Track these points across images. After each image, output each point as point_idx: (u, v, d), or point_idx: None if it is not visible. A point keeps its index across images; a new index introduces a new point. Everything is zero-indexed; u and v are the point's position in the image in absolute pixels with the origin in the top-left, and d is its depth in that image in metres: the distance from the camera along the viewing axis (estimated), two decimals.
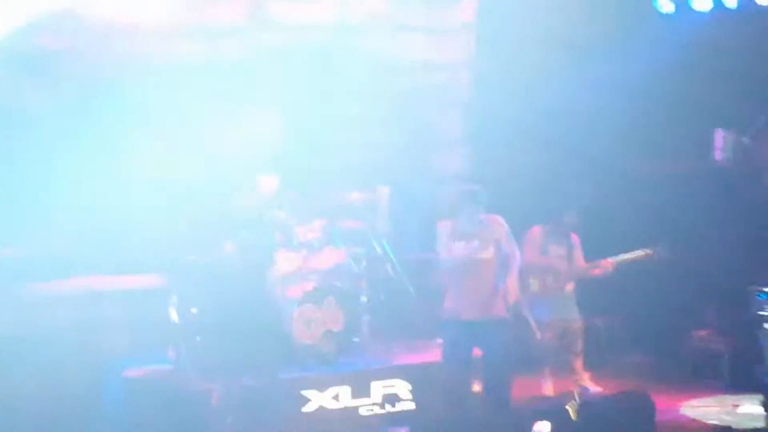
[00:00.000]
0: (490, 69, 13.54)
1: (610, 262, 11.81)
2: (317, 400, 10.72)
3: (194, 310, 10.92)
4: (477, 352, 10.34)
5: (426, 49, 13.58)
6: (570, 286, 11.82)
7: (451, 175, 13.76)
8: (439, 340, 11.06)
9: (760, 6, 12.74)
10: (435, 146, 13.79)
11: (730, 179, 12.93)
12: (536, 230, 11.79)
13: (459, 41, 13.71)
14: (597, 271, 11.83)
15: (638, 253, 11.78)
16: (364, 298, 11.47)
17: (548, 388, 11.78)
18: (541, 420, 8.74)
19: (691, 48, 12.86)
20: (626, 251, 11.81)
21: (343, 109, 13.16)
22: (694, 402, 11.66)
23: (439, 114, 13.74)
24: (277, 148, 12.64)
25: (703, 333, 12.71)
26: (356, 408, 10.89)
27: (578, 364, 11.90)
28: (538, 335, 10.91)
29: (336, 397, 10.80)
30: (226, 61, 12.49)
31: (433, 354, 11.37)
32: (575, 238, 11.86)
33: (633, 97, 13.12)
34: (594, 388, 11.86)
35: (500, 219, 10.29)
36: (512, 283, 10.12)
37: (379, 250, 11.78)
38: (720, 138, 12.86)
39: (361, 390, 10.91)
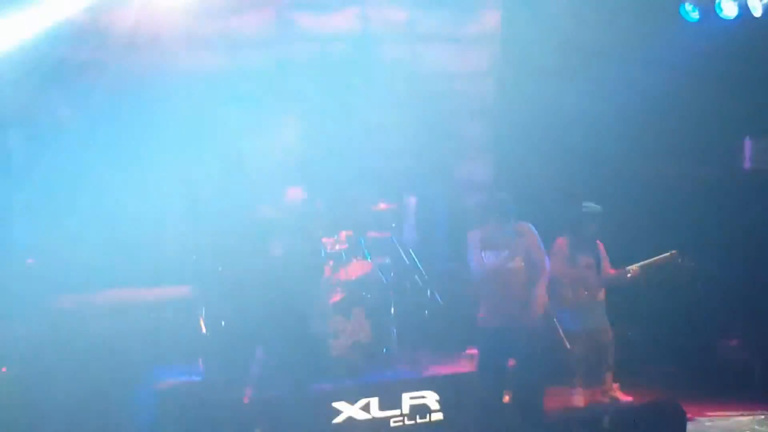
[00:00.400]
0: (515, 77, 13.51)
1: (637, 267, 11.72)
2: (347, 411, 10.69)
3: (223, 322, 10.95)
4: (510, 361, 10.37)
5: (450, 57, 13.56)
6: (601, 296, 11.76)
7: (477, 184, 13.73)
8: (470, 351, 11.08)
9: None
10: (461, 155, 13.75)
11: (760, 186, 12.87)
12: (562, 241, 11.71)
13: (483, 50, 13.68)
14: (628, 277, 11.73)
15: (664, 256, 11.68)
16: (392, 309, 11.42)
17: (578, 399, 11.71)
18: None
19: (717, 55, 12.81)
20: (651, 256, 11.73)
21: (369, 119, 13.15)
22: (726, 411, 11.62)
23: (464, 122, 13.70)
24: (304, 158, 12.67)
25: (733, 342, 12.65)
26: (386, 419, 10.86)
27: (609, 375, 11.83)
28: (568, 345, 10.84)
29: (365, 408, 10.78)
30: (251, 71, 12.49)
31: (462, 365, 11.38)
32: (601, 247, 11.80)
33: (659, 105, 13.07)
34: (624, 399, 11.81)
35: (530, 227, 10.30)
36: (540, 292, 10.11)
37: (406, 260, 11.77)
38: (749, 145, 12.82)
39: (390, 401, 10.88)
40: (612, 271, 11.81)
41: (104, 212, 11.44)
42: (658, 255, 11.73)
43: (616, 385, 11.84)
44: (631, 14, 13.25)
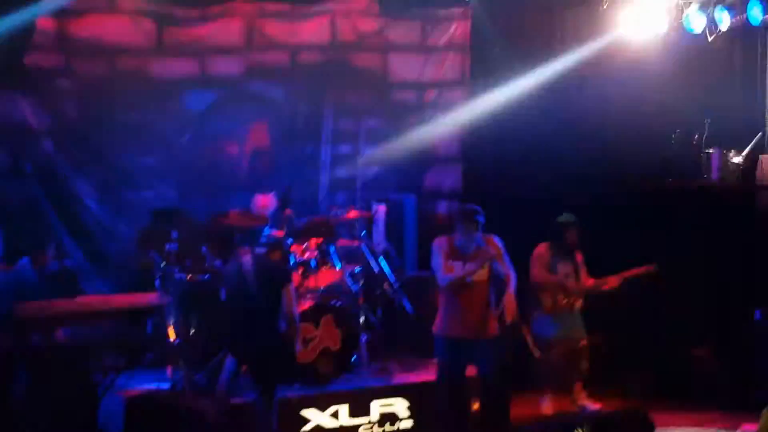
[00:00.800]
0: (485, 86, 13.54)
1: (617, 278, 11.76)
2: (316, 418, 10.68)
3: (192, 329, 10.92)
4: (473, 370, 10.35)
5: (420, 67, 13.59)
6: (578, 304, 11.74)
7: (446, 193, 13.76)
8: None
9: None
10: (430, 164, 13.78)
11: (728, 198, 12.92)
12: (543, 248, 11.71)
13: (453, 60, 13.71)
14: (605, 288, 11.76)
15: (643, 269, 11.73)
16: (361, 317, 11.41)
17: (547, 407, 11.72)
18: None
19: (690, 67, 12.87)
20: (630, 268, 11.76)
21: (341, 127, 13.16)
22: (693, 420, 11.67)
23: (434, 132, 13.72)
24: (273, 166, 12.68)
25: (701, 352, 12.68)
26: (355, 427, 10.85)
27: (579, 383, 11.86)
28: (537, 354, 10.85)
29: (335, 415, 10.76)
30: (220, 78, 12.48)
31: (431, 372, 11.35)
32: (579, 256, 11.84)
33: (630, 114, 13.12)
34: (592, 406, 11.83)
35: (495, 239, 10.27)
36: (510, 302, 10.08)
37: (376, 268, 11.76)
38: (716, 157, 12.88)
39: (360, 408, 10.87)
40: (590, 282, 11.83)
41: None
42: (636, 266, 11.72)
43: (584, 394, 11.87)
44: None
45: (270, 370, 9.89)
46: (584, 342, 11.73)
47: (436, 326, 10.28)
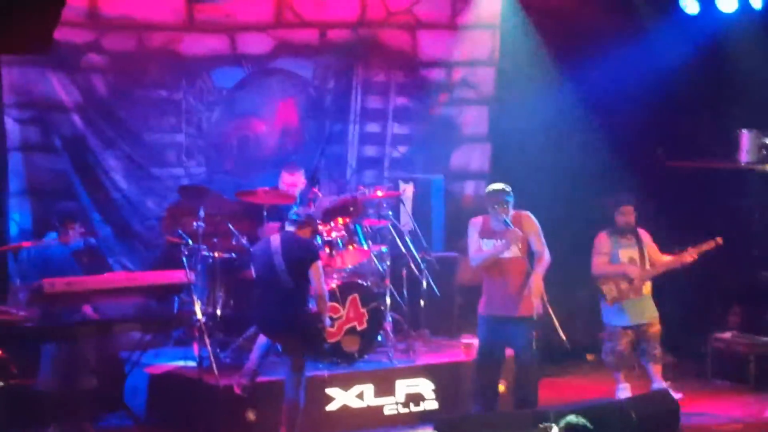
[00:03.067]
0: (515, 65, 13.50)
1: (694, 252, 11.36)
2: (341, 398, 10.71)
3: (218, 307, 10.95)
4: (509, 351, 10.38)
5: (449, 45, 13.54)
6: (647, 288, 11.46)
7: (474, 172, 13.73)
8: (465, 339, 11.09)
9: None
10: (458, 143, 13.74)
11: (756, 179, 12.85)
12: (602, 236, 11.50)
13: (482, 38, 13.65)
14: (683, 261, 11.41)
15: (710, 243, 11.40)
16: (387, 297, 11.42)
17: (624, 395, 11.40)
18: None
19: (716, 47, 12.80)
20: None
21: (367, 104, 13.14)
22: (719, 402, 11.65)
23: (462, 111, 13.68)
24: (300, 144, 12.67)
25: (728, 335, 12.64)
26: (380, 407, 10.87)
27: (656, 367, 11.52)
28: (563, 336, 10.80)
29: (360, 396, 10.79)
30: (250, 55, 12.46)
31: (457, 353, 11.38)
32: (644, 235, 11.55)
33: (656, 96, 13.06)
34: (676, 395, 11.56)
35: (530, 216, 10.30)
36: (536, 282, 10.09)
37: (403, 248, 11.76)
38: (745, 138, 12.81)
39: (385, 389, 10.89)
40: (665, 259, 11.52)
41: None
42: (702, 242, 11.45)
43: (660, 377, 11.50)
44: (632, 5, 13.23)
45: (299, 347, 9.93)
46: (656, 327, 11.50)
47: (480, 306, 10.33)
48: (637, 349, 11.52)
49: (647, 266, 11.44)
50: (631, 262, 11.43)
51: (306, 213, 10.19)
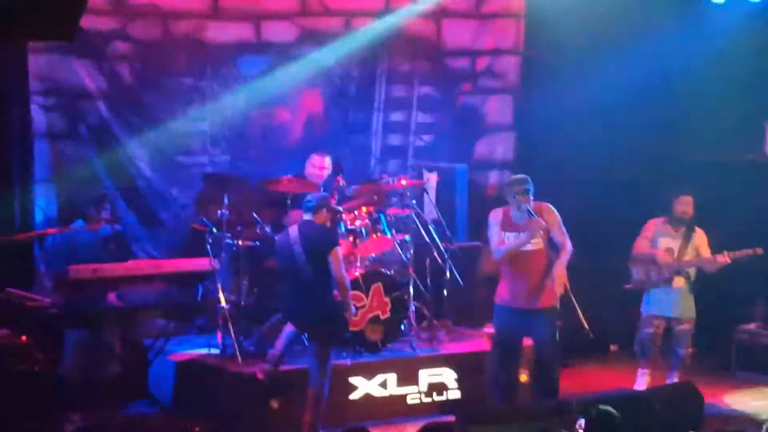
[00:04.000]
0: (540, 54, 13.47)
1: (729, 255, 11.23)
2: (364, 387, 10.73)
3: (242, 295, 10.98)
4: (527, 341, 10.37)
5: (474, 34, 13.51)
6: (679, 282, 11.35)
7: (498, 162, 13.71)
8: (488, 329, 11.07)
9: None
10: (482, 132, 13.73)
11: None
12: (652, 221, 11.48)
13: (507, 27, 13.63)
14: (716, 262, 11.27)
15: (750, 251, 11.25)
16: (411, 286, 11.43)
17: (640, 383, 11.47)
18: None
19: (742, 38, 12.73)
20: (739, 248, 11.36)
21: (391, 93, 13.13)
22: (743, 395, 11.62)
23: (486, 100, 13.66)
24: (324, 132, 12.68)
25: (752, 326, 12.61)
26: (403, 396, 10.89)
27: (679, 371, 11.46)
28: (585, 325, 10.79)
29: (383, 384, 10.81)
30: (275, 43, 12.47)
31: (480, 343, 11.39)
32: (699, 232, 11.42)
33: (683, 86, 13.01)
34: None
35: (551, 207, 10.27)
36: (560, 272, 10.06)
37: (426, 237, 11.77)
38: None
39: (408, 378, 10.91)
40: (702, 257, 11.38)
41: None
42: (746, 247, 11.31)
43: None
44: None
45: (325, 337, 9.95)
46: (685, 325, 11.42)
47: (497, 296, 10.32)
48: (665, 344, 11.48)
49: (680, 259, 11.34)
50: (668, 251, 11.37)
51: (318, 196, 10.11)
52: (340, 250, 9.91)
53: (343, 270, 9.87)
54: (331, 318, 9.90)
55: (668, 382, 11.33)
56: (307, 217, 9.98)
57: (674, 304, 11.37)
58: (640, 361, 11.53)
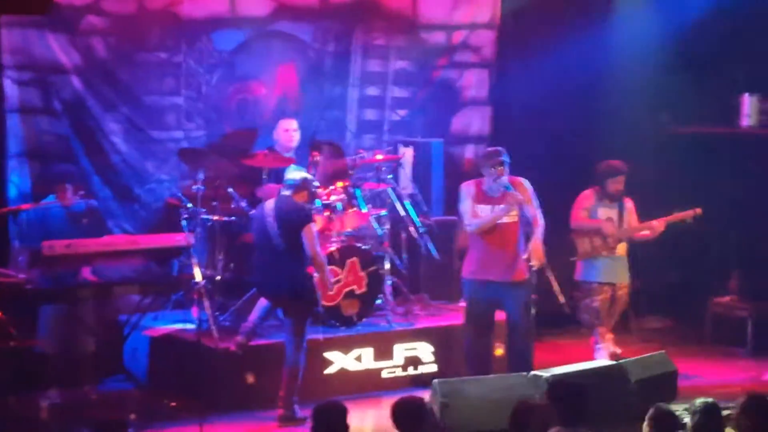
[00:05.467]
0: (516, 28, 13.45)
1: (662, 222, 11.51)
2: (340, 361, 10.75)
3: (218, 270, 10.97)
4: (501, 315, 10.39)
5: (449, 8, 13.48)
6: (621, 249, 11.54)
7: (474, 136, 13.71)
8: (463, 304, 11.09)
9: None
10: (458, 106, 13.72)
11: (755, 144, 12.84)
12: (587, 193, 11.60)
13: (483, 1, 13.59)
14: (647, 234, 11.57)
15: (688, 213, 11.52)
16: (387, 261, 11.44)
17: (603, 353, 11.53)
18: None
19: (718, 10, 12.74)
20: (673, 211, 11.59)
21: (367, 68, 13.10)
22: (716, 367, 11.70)
23: (462, 74, 13.64)
24: (299, 107, 12.65)
25: (727, 298, 12.67)
26: (379, 370, 10.91)
27: (609, 327, 11.76)
28: (561, 299, 10.84)
29: (358, 359, 10.83)
30: (250, 17, 12.42)
31: (455, 317, 11.40)
32: (628, 202, 11.62)
33: (660, 59, 13.03)
34: (615, 350, 11.84)
35: (524, 181, 10.28)
36: (536, 246, 10.08)
37: (402, 212, 11.77)
38: (746, 103, 12.80)
39: (384, 352, 10.93)
40: (637, 225, 11.63)
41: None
42: (680, 210, 11.57)
43: (610, 336, 11.84)
44: None
45: (298, 311, 9.96)
46: (624, 290, 11.63)
47: (465, 270, 10.33)
48: (608, 308, 11.63)
49: (627, 229, 11.55)
50: (608, 221, 11.53)
51: (302, 177, 10.13)
52: (314, 227, 9.92)
53: (317, 246, 9.88)
54: (303, 292, 9.92)
55: (603, 338, 11.56)
56: (286, 192, 9.98)
57: (619, 270, 11.56)
58: (594, 331, 11.58)
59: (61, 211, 10.31)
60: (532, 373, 9.54)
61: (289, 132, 11.57)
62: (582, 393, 7.52)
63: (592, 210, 11.54)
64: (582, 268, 11.50)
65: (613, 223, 11.51)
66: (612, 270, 11.53)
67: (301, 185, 10.01)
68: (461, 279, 10.46)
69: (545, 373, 9.26)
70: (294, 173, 10.28)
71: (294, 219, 9.83)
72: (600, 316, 11.51)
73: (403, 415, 7.21)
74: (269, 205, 9.96)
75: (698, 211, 11.47)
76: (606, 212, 11.54)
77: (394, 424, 7.22)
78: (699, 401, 7.18)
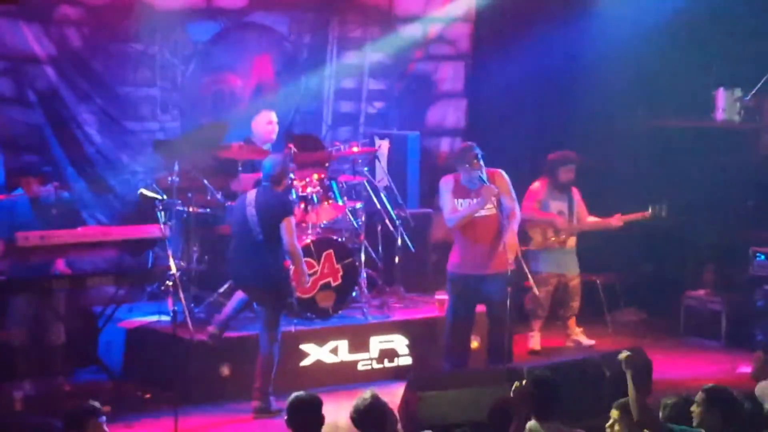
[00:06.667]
0: (492, 21, 13.46)
1: (618, 220, 11.77)
2: (315, 353, 10.73)
3: (193, 262, 10.93)
4: (481, 308, 10.41)
5: (426, 1, 13.48)
6: (571, 242, 11.82)
7: (449, 129, 13.71)
8: (439, 295, 11.10)
9: None
10: (433, 99, 13.71)
11: (730, 138, 12.88)
12: (537, 185, 11.77)
13: None
14: (606, 225, 11.81)
15: (640, 215, 11.77)
16: (362, 253, 11.42)
17: (535, 343, 11.79)
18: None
19: (695, 4, 12.77)
20: (631, 210, 11.78)
21: (343, 60, 13.08)
22: (691, 360, 11.74)
23: (438, 67, 13.64)
24: (275, 98, 12.61)
25: (701, 292, 12.71)
26: (354, 362, 10.90)
27: (572, 319, 11.96)
28: (536, 291, 10.88)
29: (334, 351, 10.81)
30: (225, 8, 12.37)
31: (431, 310, 11.40)
32: (576, 193, 11.83)
33: (635, 52, 13.05)
34: (586, 342, 11.92)
35: (502, 173, 10.30)
36: (511, 238, 10.11)
37: (378, 204, 11.75)
38: (721, 97, 12.84)
39: (359, 344, 10.91)
40: (590, 219, 11.85)
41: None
42: (637, 210, 11.74)
43: (579, 329, 11.94)
44: None
45: (271, 302, 9.94)
46: (576, 281, 11.85)
47: (449, 263, 10.35)
48: (557, 301, 11.88)
49: (574, 221, 11.78)
50: (560, 214, 11.74)
51: (280, 164, 10.04)
52: (293, 220, 9.89)
53: (294, 239, 9.86)
54: (278, 284, 9.89)
55: (575, 335, 11.95)
56: (266, 183, 9.94)
57: (569, 262, 11.84)
58: (533, 320, 11.80)
59: (27, 203, 10.20)
60: (510, 365, 9.55)
61: (272, 124, 11.52)
62: (556, 387, 7.53)
63: (543, 202, 11.73)
64: (529, 258, 11.57)
65: (565, 217, 11.68)
66: (559, 261, 11.80)
67: (280, 174, 9.95)
68: (445, 272, 10.46)
69: (523, 366, 9.26)
70: (269, 160, 10.17)
71: (275, 210, 9.80)
72: (544, 306, 11.69)
73: (365, 419, 7.18)
74: (250, 195, 9.93)
75: (648, 214, 11.73)
76: (557, 205, 11.75)
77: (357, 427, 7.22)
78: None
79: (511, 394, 7.37)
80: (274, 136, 11.52)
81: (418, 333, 11.17)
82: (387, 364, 11.04)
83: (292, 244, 9.81)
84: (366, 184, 11.79)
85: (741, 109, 12.75)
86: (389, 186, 12.13)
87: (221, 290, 10.75)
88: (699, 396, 7.26)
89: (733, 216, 12.73)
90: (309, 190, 11.11)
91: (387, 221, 11.74)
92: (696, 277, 12.84)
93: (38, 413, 9.72)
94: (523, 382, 7.43)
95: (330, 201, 11.27)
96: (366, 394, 7.25)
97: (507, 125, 12.98)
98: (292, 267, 10.02)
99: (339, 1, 12.97)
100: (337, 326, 10.95)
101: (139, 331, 10.84)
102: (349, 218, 11.50)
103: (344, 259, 11.03)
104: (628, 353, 7.32)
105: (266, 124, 11.49)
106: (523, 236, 11.48)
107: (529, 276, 10.40)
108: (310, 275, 10.54)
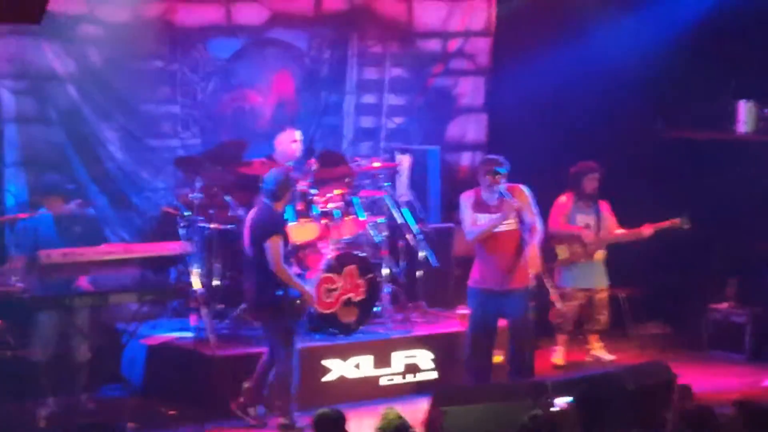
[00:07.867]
0: (512, 36, 13.46)
1: (648, 229, 11.69)
2: (338, 369, 10.71)
3: (215, 278, 10.93)
4: (503, 323, 10.38)
5: (445, 16, 13.49)
6: (599, 255, 11.76)
7: (470, 144, 13.71)
8: (461, 310, 11.08)
9: None
10: (454, 114, 13.72)
11: (751, 150, 12.85)
12: (563, 199, 11.74)
13: (479, 8, 13.61)
14: (636, 238, 11.75)
15: (670, 222, 11.72)
16: (384, 268, 11.41)
17: (559, 357, 11.75)
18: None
19: (714, 18, 12.75)
20: (656, 218, 11.73)
21: (363, 75, 13.09)
22: (715, 373, 11.68)
23: (458, 82, 13.64)
24: (296, 115, 12.63)
25: (725, 305, 12.66)
26: (378, 378, 10.88)
27: (594, 335, 11.92)
28: (558, 305, 10.87)
29: (357, 367, 10.80)
30: (245, 25, 12.41)
31: (454, 324, 11.38)
32: (604, 206, 11.78)
33: (655, 67, 13.04)
34: (607, 357, 11.87)
35: (523, 188, 10.29)
36: (533, 253, 10.09)
37: (400, 219, 11.75)
38: (742, 109, 12.81)
39: (382, 359, 10.90)
40: (620, 232, 11.78)
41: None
42: (667, 218, 11.71)
43: (600, 345, 11.89)
44: None
45: (265, 319, 9.92)
46: (604, 294, 11.78)
47: (470, 278, 10.34)
48: (583, 315, 11.82)
49: (602, 234, 11.70)
50: (587, 227, 11.71)
51: (276, 182, 9.91)
52: (280, 240, 9.71)
53: (279, 259, 9.64)
54: (270, 304, 9.80)
55: (596, 350, 11.90)
56: (266, 200, 9.89)
57: (596, 275, 11.78)
58: (557, 335, 11.77)
59: (50, 221, 10.23)
60: (534, 380, 9.52)
61: (297, 143, 11.53)
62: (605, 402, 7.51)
63: (570, 216, 11.71)
64: (558, 274, 11.52)
65: (591, 230, 11.66)
66: (587, 275, 11.73)
67: (278, 190, 9.83)
68: (467, 287, 10.44)
69: (548, 382, 9.22)
70: (269, 175, 10.08)
71: (263, 229, 9.73)
72: (569, 321, 11.65)
73: None
74: (251, 212, 9.95)
75: (679, 221, 11.68)
76: (584, 219, 11.71)
77: None
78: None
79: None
80: (298, 154, 11.53)
81: (442, 347, 11.15)
82: (410, 378, 11.02)
83: (277, 264, 9.63)
84: (387, 198, 11.79)
85: (762, 121, 12.71)
86: (410, 201, 12.13)
87: (243, 306, 10.75)
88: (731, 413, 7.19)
89: (756, 229, 12.67)
90: (331, 205, 11.13)
91: (409, 236, 11.74)
92: (719, 291, 12.78)
93: (61, 430, 9.75)
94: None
95: (352, 216, 11.29)
96: (390, 414, 7.20)
97: (528, 139, 12.94)
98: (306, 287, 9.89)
99: (358, 17, 12.98)
100: (360, 341, 10.95)
101: (161, 348, 10.85)
102: (371, 233, 11.51)
103: (366, 274, 11.03)
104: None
105: (290, 142, 11.49)
106: (550, 252, 11.44)
107: (553, 291, 10.37)
108: (332, 290, 10.52)
